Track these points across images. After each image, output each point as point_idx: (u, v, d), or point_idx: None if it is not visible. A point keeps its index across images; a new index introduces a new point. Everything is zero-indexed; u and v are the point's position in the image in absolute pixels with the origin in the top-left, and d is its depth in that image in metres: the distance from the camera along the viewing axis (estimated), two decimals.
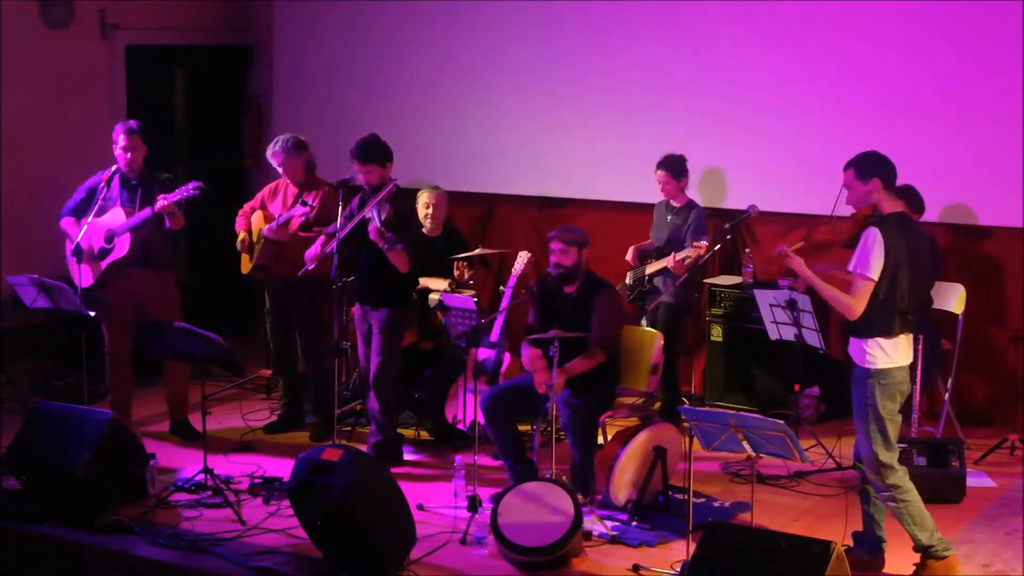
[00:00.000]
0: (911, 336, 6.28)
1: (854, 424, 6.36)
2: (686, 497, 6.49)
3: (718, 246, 8.60)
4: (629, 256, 8.82)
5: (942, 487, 7.31)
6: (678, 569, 6.33)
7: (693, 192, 8.86)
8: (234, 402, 9.19)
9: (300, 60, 10.94)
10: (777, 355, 8.55)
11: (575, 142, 9.81)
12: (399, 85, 10.43)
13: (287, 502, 6.84)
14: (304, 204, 8.04)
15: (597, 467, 7.24)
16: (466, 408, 8.40)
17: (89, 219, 8.09)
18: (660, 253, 8.59)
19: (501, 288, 8.46)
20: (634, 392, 8.23)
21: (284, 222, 8.17)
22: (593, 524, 6.87)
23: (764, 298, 7.82)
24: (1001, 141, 8.43)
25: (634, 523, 6.99)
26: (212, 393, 8.30)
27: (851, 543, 6.53)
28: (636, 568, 6.46)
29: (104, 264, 8.11)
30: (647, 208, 9.02)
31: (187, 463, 7.86)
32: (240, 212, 8.52)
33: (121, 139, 8.10)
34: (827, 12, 8.90)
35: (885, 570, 6.46)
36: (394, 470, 7.25)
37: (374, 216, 7.46)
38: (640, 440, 7.16)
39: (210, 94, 11.14)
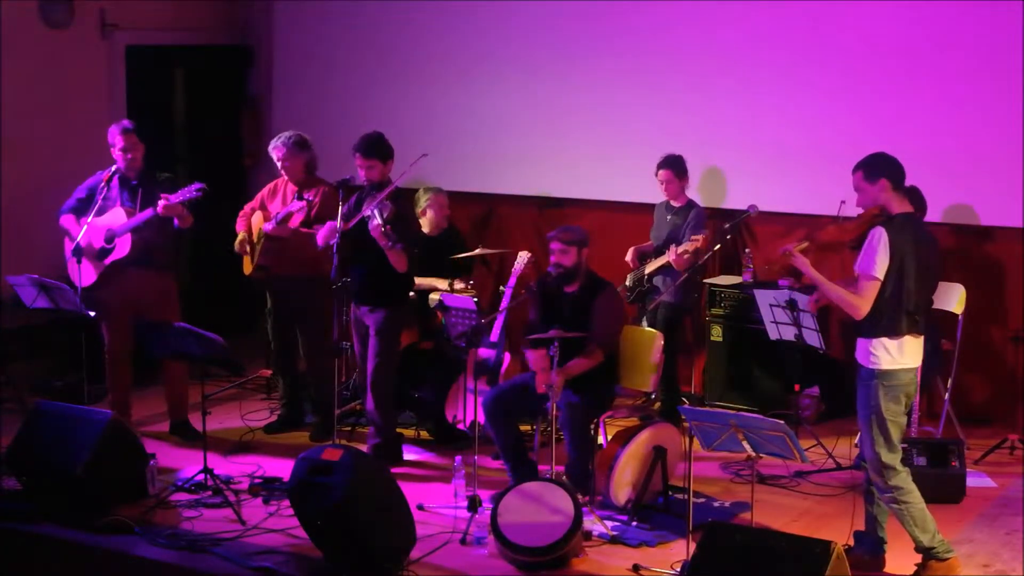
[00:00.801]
0: (920, 338, 6.26)
1: (858, 424, 6.35)
2: (686, 497, 6.50)
3: (718, 246, 8.60)
4: (629, 257, 8.82)
5: (942, 487, 7.30)
6: (678, 569, 6.33)
7: (693, 192, 8.87)
8: (234, 402, 9.20)
9: (300, 60, 10.95)
10: (777, 355, 8.55)
11: (575, 142, 9.81)
12: (399, 85, 10.44)
13: (287, 502, 6.84)
14: (302, 199, 8.03)
15: (597, 467, 7.24)
16: (466, 408, 8.40)
17: (89, 219, 8.09)
18: (659, 253, 8.60)
19: (501, 288, 8.46)
20: (634, 392, 8.24)
21: (284, 218, 8.17)
22: (593, 524, 6.87)
23: (764, 298, 7.82)
24: (1002, 141, 8.44)
25: (634, 523, 6.99)
26: (212, 393, 8.31)
27: (852, 543, 6.53)
28: (636, 568, 6.46)
29: (104, 264, 8.11)
30: (647, 208, 9.02)
31: (187, 463, 7.86)
32: (241, 213, 8.51)
33: (118, 140, 8.10)
34: (828, 13, 8.90)
35: (886, 570, 6.46)
36: (394, 470, 7.25)
37: (375, 214, 7.44)
38: (640, 440, 7.16)
39: (210, 94, 11.14)
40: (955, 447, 7.48)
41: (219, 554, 6.63)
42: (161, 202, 7.84)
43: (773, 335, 7.89)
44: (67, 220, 8.23)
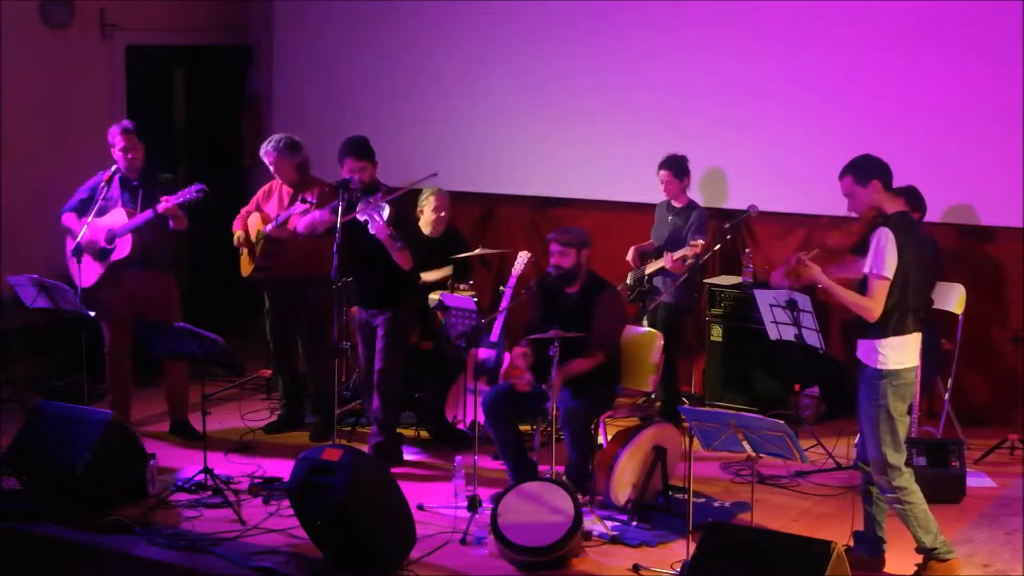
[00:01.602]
0: (920, 335, 6.28)
1: (860, 426, 6.35)
2: (686, 497, 6.50)
3: (718, 246, 8.60)
4: (629, 257, 8.82)
5: (942, 487, 7.30)
6: (678, 569, 6.33)
7: (694, 192, 8.87)
8: (234, 402, 9.20)
9: (300, 60, 10.95)
10: (777, 355, 8.55)
11: (575, 142, 9.81)
12: (399, 85, 10.43)
13: (287, 502, 6.84)
14: (304, 201, 8.04)
15: (597, 467, 7.24)
16: (466, 408, 8.40)
17: (89, 219, 8.09)
18: (660, 253, 8.60)
19: (501, 288, 8.46)
20: (634, 392, 8.24)
21: (283, 222, 8.17)
22: (593, 524, 6.87)
23: (764, 298, 7.82)
24: (1002, 141, 8.44)
25: (634, 523, 6.99)
26: (212, 393, 8.31)
27: (851, 543, 6.53)
28: (636, 568, 6.46)
29: (105, 264, 8.11)
30: (647, 208, 9.02)
31: (187, 463, 7.86)
32: (237, 217, 8.51)
33: (118, 140, 8.10)
34: (828, 13, 8.90)
35: (885, 570, 6.46)
36: (394, 470, 7.26)
37: (375, 216, 7.42)
38: (640, 440, 7.16)
39: (210, 94, 11.14)
40: (955, 447, 7.48)
41: (219, 554, 6.63)
42: (161, 203, 7.84)
43: (773, 335, 7.89)
44: (68, 219, 8.23)
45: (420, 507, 7.09)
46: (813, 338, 7.63)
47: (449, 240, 8.86)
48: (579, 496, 6.66)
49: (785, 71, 9.07)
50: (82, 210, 8.19)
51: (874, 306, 6.11)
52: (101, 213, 8.10)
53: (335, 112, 10.56)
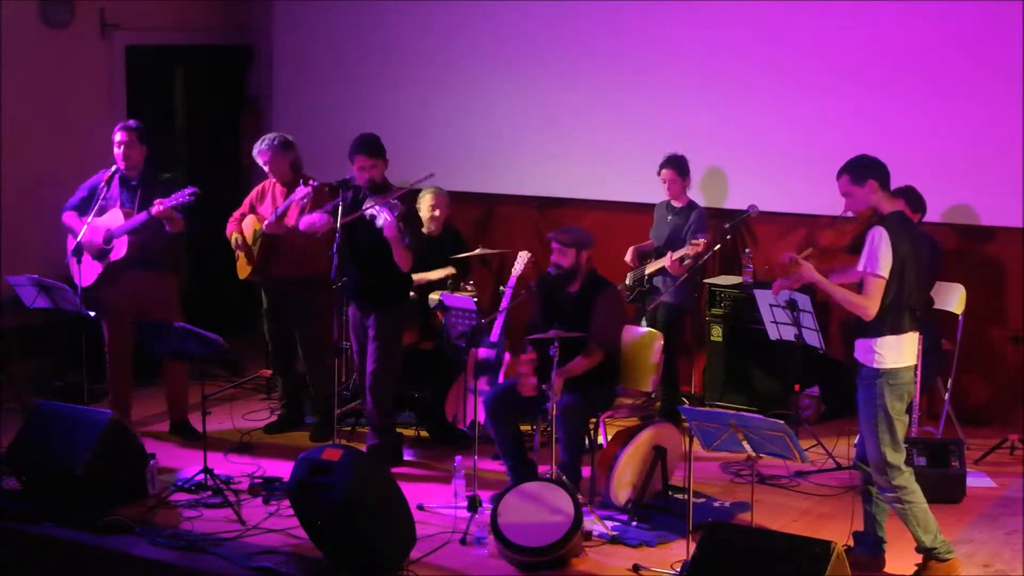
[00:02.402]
0: (917, 335, 6.28)
1: (859, 425, 6.35)
2: (686, 497, 6.50)
3: (718, 246, 8.60)
4: (628, 257, 8.82)
5: (942, 487, 7.30)
6: (678, 569, 6.33)
7: (694, 192, 8.88)
8: (234, 402, 9.20)
9: (300, 60, 10.95)
10: (777, 355, 8.55)
11: (575, 142, 9.81)
12: (399, 85, 10.43)
13: (287, 502, 6.84)
14: (306, 184, 8.01)
15: (597, 467, 7.24)
16: (466, 408, 8.40)
17: (89, 218, 8.09)
18: (659, 253, 8.60)
19: (501, 288, 8.46)
20: (634, 392, 8.24)
21: (284, 211, 8.16)
22: (593, 524, 6.87)
23: (764, 298, 7.82)
24: (1002, 141, 8.44)
25: (634, 523, 6.99)
26: (212, 393, 8.31)
27: (851, 543, 6.53)
28: (636, 568, 6.46)
29: (103, 265, 8.11)
30: (647, 208, 9.02)
31: (187, 463, 7.86)
32: (231, 219, 8.51)
33: (118, 136, 8.11)
34: (828, 13, 8.90)
35: (886, 570, 6.46)
36: (394, 470, 7.26)
37: (383, 212, 7.39)
38: (640, 440, 7.16)
39: (210, 94, 11.14)
40: (955, 447, 7.48)
41: (219, 554, 6.63)
42: (154, 206, 7.85)
43: (773, 335, 7.89)
44: (69, 217, 8.23)
45: (420, 507, 7.09)
46: (813, 338, 7.63)
47: (449, 240, 8.87)
48: (579, 496, 6.67)
49: (785, 71, 9.06)
50: (83, 208, 8.19)
51: (869, 304, 6.11)
52: (100, 213, 8.10)
53: (335, 112, 10.56)
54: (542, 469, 7.34)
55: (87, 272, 8.12)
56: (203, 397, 7.42)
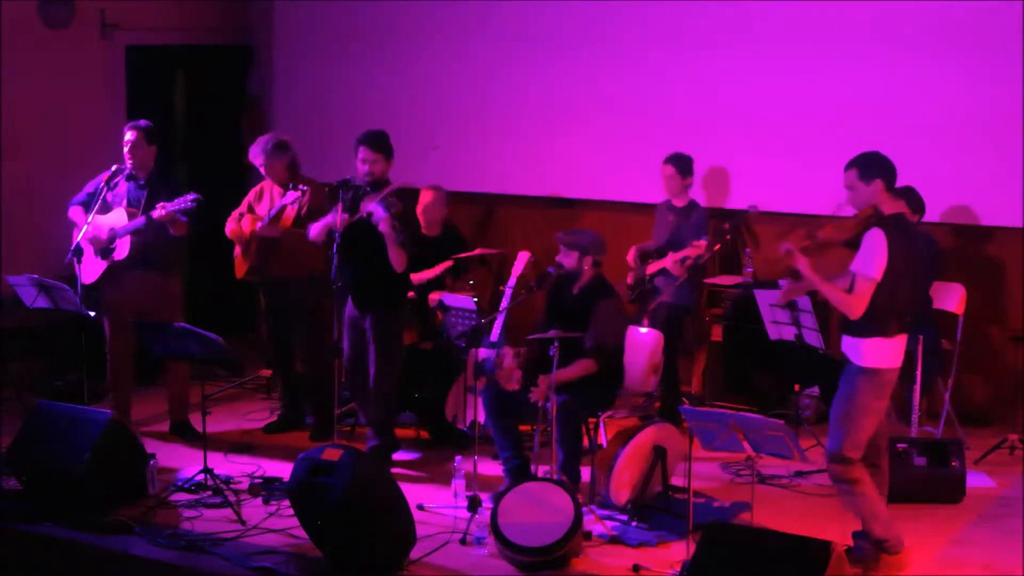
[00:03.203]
0: (905, 337, 6.28)
1: (831, 415, 6.32)
2: (686, 497, 6.50)
3: (717, 246, 8.61)
4: (630, 257, 8.82)
5: (942, 487, 7.31)
6: (678, 569, 6.33)
7: (695, 192, 8.87)
8: (234, 402, 9.19)
9: (300, 60, 10.95)
10: (777, 355, 8.55)
11: (576, 143, 9.81)
12: (399, 85, 10.44)
13: (287, 502, 6.84)
14: (296, 189, 8.03)
15: (597, 467, 7.24)
16: (466, 408, 8.40)
17: (91, 216, 8.09)
18: (660, 253, 8.60)
19: (501, 288, 8.46)
20: (634, 392, 8.23)
21: (277, 213, 8.16)
22: (593, 524, 6.87)
23: (764, 298, 7.82)
24: (1002, 142, 8.44)
25: (634, 523, 6.99)
26: (212, 393, 8.32)
27: (852, 543, 6.52)
28: (636, 568, 6.46)
29: (106, 264, 8.11)
30: (648, 209, 9.02)
31: (187, 463, 7.86)
32: (229, 218, 8.51)
33: (128, 135, 8.12)
34: (829, 14, 8.90)
35: (885, 570, 6.45)
36: (394, 470, 7.25)
37: (379, 209, 7.38)
38: (640, 440, 7.16)
39: (210, 94, 11.14)
40: (955, 447, 7.48)
41: (219, 554, 6.63)
42: (157, 210, 7.85)
43: (773, 335, 7.89)
44: (75, 212, 8.23)
45: (420, 507, 7.09)
46: (813, 338, 7.63)
47: (449, 240, 8.87)
48: (579, 496, 6.67)
49: (786, 71, 9.07)
50: (89, 204, 8.20)
51: (856, 304, 6.12)
52: (105, 210, 8.10)
53: (335, 112, 10.57)
54: (542, 469, 7.33)
55: (90, 270, 8.12)
56: (203, 397, 7.42)
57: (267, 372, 9.46)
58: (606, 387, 7.46)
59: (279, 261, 8.28)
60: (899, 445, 7.42)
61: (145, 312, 8.04)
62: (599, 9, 9.64)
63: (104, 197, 8.10)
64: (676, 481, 7.32)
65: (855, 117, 8.82)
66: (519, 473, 7.25)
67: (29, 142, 9.69)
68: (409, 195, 8.23)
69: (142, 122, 8.19)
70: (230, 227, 8.45)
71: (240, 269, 8.50)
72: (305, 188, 8.03)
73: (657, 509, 7.12)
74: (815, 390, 8.88)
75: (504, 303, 8.04)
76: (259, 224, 8.26)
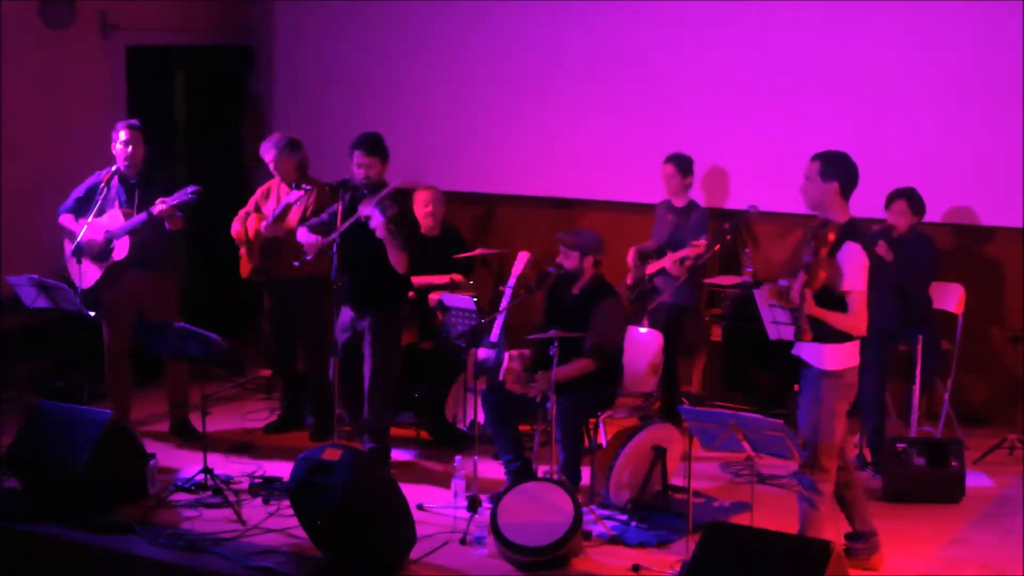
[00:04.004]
0: (858, 341, 6.20)
1: (800, 424, 6.28)
2: (686, 497, 6.50)
3: (717, 246, 8.61)
4: (629, 258, 8.83)
5: (942, 487, 7.31)
6: (678, 569, 6.33)
7: (695, 192, 8.88)
8: (234, 402, 9.20)
9: (300, 60, 10.95)
10: (777, 355, 8.53)
11: (576, 143, 9.82)
12: (399, 85, 10.44)
13: (287, 502, 6.84)
14: (300, 188, 8.02)
15: (597, 467, 7.24)
16: (466, 408, 8.40)
17: (89, 219, 8.10)
18: (660, 253, 8.61)
19: (501, 288, 8.46)
20: (634, 392, 8.23)
21: (282, 212, 8.16)
22: (593, 524, 6.88)
23: (764, 298, 7.80)
24: (1002, 141, 8.44)
25: (634, 523, 6.99)
26: (212, 393, 8.30)
27: (850, 544, 6.52)
28: (636, 568, 6.46)
29: (104, 265, 8.11)
30: (648, 209, 9.03)
31: (187, 463, 7.86)
32: (236, 218, 8.51)
33: (121, 134, 8.12)
34: (829, 14, 8.90)
35: (885, 570, 6.46)
36: (394, 470, 7.24)
37: (377, 212, 7.38)
38: (640, 440, 7.16)
39: (210, 94, 11.15)
40: (955, 447, 7.48)
41: (219, 554, 6.64)
42: (157, 204, 7.85)
43: (773, 335, 7.87)
44: (66, 219, 8.23)
45: (420, 507, 7.10)
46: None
47: (449, 240, 8.87)
48: (579, 496, 6.67)
49: (786, 71, 9.07)
50: (79, 210, 8.19)
51: (859, 322, 6.07)
52: (100, 213, 8.10)
53: (335, 112, 10.57)
54: (542, 469, 7.34)
55: (87, 275, 8.11)
56: (203, 397, 7.42)
57: (267, 372, 9.46)
58: (606, 387, 7.46)
59: (283, 261, 8.28)
60: (899, 445, 7.42)
61: (144, 311, 8.05)
62: (599, 9, 9.64)
63: (100, 200, 8.09)
64: (676, 481, 7.33)
65: (855, 117, 8.82)
66: (521, 475, 7.25)
67: (29, 142, 9.69)
68: (404, 195, 8.23)
69: (134, 121, 8.20)
70: (235, 227, 8.45)
71: (245, 269, 8.51)
72: (309, 188, 8.03)
73: (657, 509, 7.13)
74: None
75: (504, 303, 8.04)
76: (263, 224, 8.26)
